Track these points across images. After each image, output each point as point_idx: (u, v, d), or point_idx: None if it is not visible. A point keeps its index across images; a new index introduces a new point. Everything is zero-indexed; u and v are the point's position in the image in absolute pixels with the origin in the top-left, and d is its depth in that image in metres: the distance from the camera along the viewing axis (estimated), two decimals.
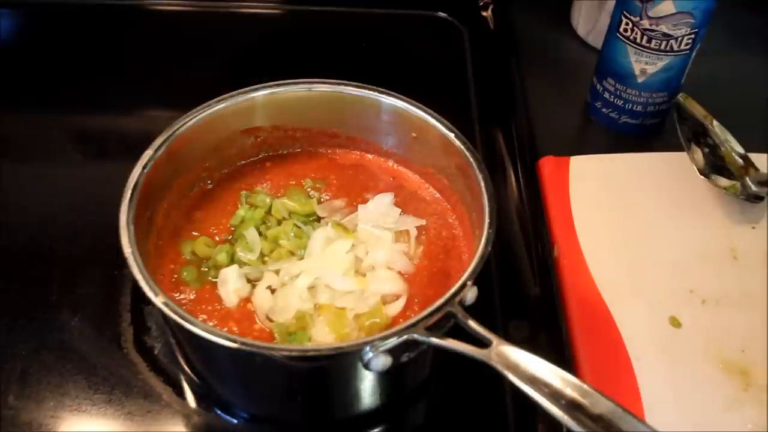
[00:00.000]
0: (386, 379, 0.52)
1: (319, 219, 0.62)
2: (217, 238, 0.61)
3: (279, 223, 0.61)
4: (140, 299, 0.63)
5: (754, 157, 0.71)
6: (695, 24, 0.67)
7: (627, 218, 0.67)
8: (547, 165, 0.72)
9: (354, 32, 0.95)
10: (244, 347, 0.46)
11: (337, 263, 0.57)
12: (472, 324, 0.48)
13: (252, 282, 0.57)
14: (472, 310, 0.50)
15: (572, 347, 0.57)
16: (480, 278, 0.51)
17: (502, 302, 0.65)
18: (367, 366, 0.47)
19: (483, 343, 0.46)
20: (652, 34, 0.68)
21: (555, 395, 0.42)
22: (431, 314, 0.48)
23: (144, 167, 0.56)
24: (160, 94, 0.86)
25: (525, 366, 0.44)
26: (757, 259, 0.64)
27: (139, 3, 0.97)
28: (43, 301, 0.64)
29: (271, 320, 0.55)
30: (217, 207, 0.64)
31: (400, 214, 0.63)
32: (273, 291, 0.56)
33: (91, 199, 0.71)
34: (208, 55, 0.91)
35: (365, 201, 0.64)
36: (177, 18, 0.97)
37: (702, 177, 0.68)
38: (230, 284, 0.56)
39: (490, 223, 0.54)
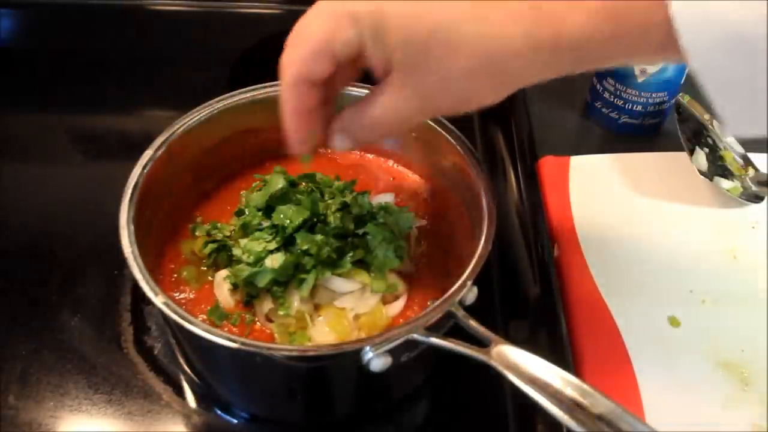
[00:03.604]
0: (386, 379, 0.52)
1: None
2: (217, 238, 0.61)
3: None
4: (140, 299, 0.63)
5: (754, 157, 0.71)
6: None
7: (627, 218, 0.67)
8: (547, 165, 0.72)
9: None
10: (244, 347, 0.46)
11: None
12: (472, 324, 0.48)
13: None
14: (472, 310, 0.50)
15: (572, 347, 0.57)
16: (480, 278, 0.51)
17: (502, 302, 0.65)
18: (367, 366, 0.47)
19: (483, 343, 0.46)
20: None
21: (555, 395, 0.42)
22: (431, 314, 0.48)
23: (144, 167, 0.56)
24: (160, 94, 0.86)
25: (525, 366, 0.44)
26: (757, 259, 0.64)
27: (139, 3, 0.97)
28: (43, 301, 0.64)
29: (270, 320, 0.55)
30: (217, 207, 0.64)
31: None
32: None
33: (91, 199, 0.71)
34: (208, 55, 0.91)
35: None
36: (177, 18, 0.97)
37: (703, 178, 0.68)
38: (226, 286, 0.56)
39: (490, 223, 0.54)
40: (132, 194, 0.54)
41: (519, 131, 0.79)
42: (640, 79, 0.72)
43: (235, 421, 0.58)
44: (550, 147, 0.73)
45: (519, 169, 0.76)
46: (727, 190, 0.68)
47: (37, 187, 0.75)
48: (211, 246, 0.58)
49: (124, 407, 0.57)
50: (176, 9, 0.97)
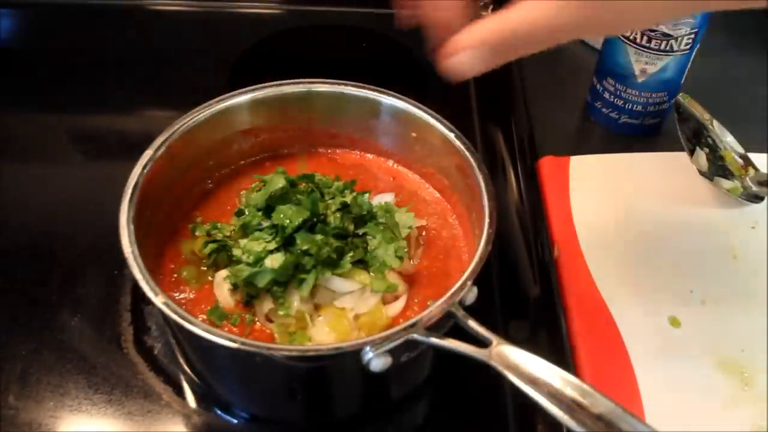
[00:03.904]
0: (386, 379, 0.52)
1: None
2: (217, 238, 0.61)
3: None
4: (140, 299, 0.63)
5: (754, 157, 0.71)
6: (695, 24, 0.67)
7: (627, 218, 0.67)
8: (547, 165, 0.72)
9: (354, 32, 0.95)
10: (244, 347, 0.46)
11: None
12: (472, 324, 0.48)
13: None
14: (472, 310, 0.50)
15: (572, 347, 0.57)
16: (480, 278, 0.51)
17: (502, 302, 0.65)
18: (367, 366, 0.47)
19: (483, 343, 0.46)
20: (652, 34, 0.68)
21: (555, 395, 0.42)
22: (431, 314, 0.48)
23: (144, 167, 0.56)
24: (160, 94, 0.86)
25: (525, 366, 0.44)
26: (757, 259, 0.64)
27: (139, 3, 0.97)
28: (43, 301, 0.64)
29: (270, 320, 0.55)
30: (217, 207, 0.64)
31: None
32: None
33: (91, 199, 0.71)
34: (208, 55, 0.91)
35: None
36: (177, 18, 0.97)
37: (703, 178, 0.68)
38: (226, 286, 0.56)
39: (490, 223, 0.54)
40: (132, 194, 0.54)
41: (519, 131, 0.79)
42: (640, 79, 0.72)
43: (235, 421, 0.58)
44: (550, 147, 0.73)
45: (519, 169, 0.76)
46: (727, 190, 0.68)
47: (37, 187, 0.75)
48: (211, 246, 0.58)
49: (124, 407, 0.57)
50: (176, 9, 0.97)
